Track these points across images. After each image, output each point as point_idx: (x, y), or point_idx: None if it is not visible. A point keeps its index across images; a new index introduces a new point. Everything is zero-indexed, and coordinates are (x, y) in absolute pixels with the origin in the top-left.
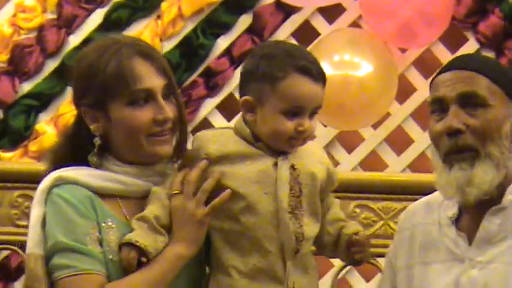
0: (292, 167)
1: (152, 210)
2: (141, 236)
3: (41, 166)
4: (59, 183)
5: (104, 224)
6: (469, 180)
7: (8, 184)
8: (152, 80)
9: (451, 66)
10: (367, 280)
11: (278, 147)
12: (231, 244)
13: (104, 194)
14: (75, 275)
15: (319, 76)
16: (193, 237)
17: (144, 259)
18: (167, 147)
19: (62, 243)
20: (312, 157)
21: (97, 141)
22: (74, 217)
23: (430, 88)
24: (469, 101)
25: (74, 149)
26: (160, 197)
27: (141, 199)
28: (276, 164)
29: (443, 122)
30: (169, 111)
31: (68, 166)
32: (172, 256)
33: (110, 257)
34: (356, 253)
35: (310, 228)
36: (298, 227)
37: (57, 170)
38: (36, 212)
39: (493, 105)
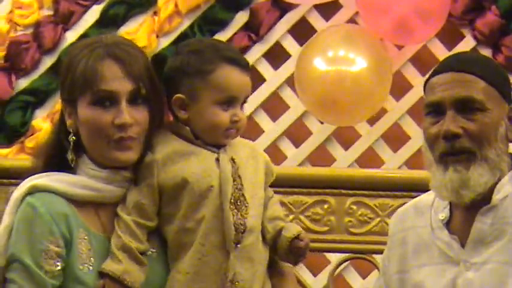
0: (232, 160)
1: (130, 239)
2: (127, 272)
3: (21, 164)
4: (33, 191)
5: (76, 235)
6: (464, 183)
7: (5, 180)
8: (118, 83)
9: (447, 67)
10: (364, 277)
11: (215, 140)
12: (180, 241)
13: (80, 202)
14: None
15: (246, 66)
16: None
17: None
18: (129, 154)
19: (17, 256)
20: (247, 151)
21: (72, 138)
22: (36, 230)
23: (424, 89)
24: (467, 106)
25: (59, 145)
26: (128, 223)
27: (117, 205)
28: (218, 159)
29: (440, 125)
30: (127, 116)
31: (53, 166)
32: None
33: (80, 267)
34: (297, 256)
35: (254, 220)
36: (239, 218)
37: (32, 177)
38: (6, 221)
39: (490, 108)
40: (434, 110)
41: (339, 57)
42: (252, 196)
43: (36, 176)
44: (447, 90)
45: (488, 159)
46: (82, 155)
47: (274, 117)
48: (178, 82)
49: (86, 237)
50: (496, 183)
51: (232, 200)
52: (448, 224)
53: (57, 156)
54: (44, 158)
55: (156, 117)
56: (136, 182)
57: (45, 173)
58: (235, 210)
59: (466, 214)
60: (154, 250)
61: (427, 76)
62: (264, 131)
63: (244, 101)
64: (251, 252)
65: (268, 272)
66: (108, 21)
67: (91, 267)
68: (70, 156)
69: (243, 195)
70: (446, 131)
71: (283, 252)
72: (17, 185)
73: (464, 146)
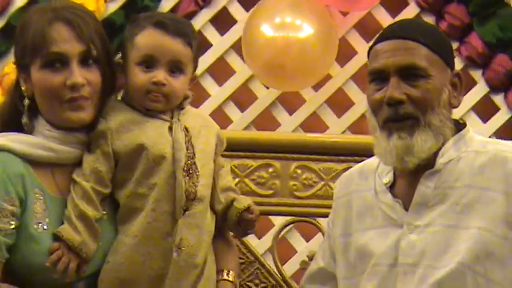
0: (186, 129)
1: (87, 207)
2: (84, 243)
3: None
4: None
5: (31, 195)
6: (408, 150)
7: None
8: (68, 45)
9: (390, 34)
10: (307, 240)
11: (141, 103)
12: (130, 207)
13: (36, 162)
14: None
15: (176, 32)
16: None
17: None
18: (82, 114)
19: None
20: (200, 120)
21: (26, 102)
22: None
23: (368, 55)
24: (410, 72)
25: (15, 110)
26: (86, 190)
27: (72, 166)
28: (171, 128)
29: (383, 91)
30: (79, 77)
31: (9, 127)
32: None
33: (34, 226)
34: (245, 229)
35: (204, 189)
36: (191, 186)
37: None
38: None
39: (433, 75)
40: (378, 76)
41: (286, 23)
42: (203, 165)
43: None
44: (390, 57)
45: (431, 125)
46: (38, 117)
47: (220, 82)
48: (122, 50)
49: (41, 198)
50: (440, 148)
51: (184, 168)
52: (391, 187)
53: (13, 120)
54: (1, 121)
55: (107, 79)
56: (91, 149)
57: (2, 133)
58: (187, 178)
59: (409, 178)
60: (105, 213)
61: (371, 43)
62: (210, 95)
63: (177, 68)
64: (199, 220)
65: (213, 240)
66: None
67: (45, 227)
68: (24, 120)
69: (194, 163)
70: (390, 98)
71: (233, 223)
72: None
73: (407, 112)
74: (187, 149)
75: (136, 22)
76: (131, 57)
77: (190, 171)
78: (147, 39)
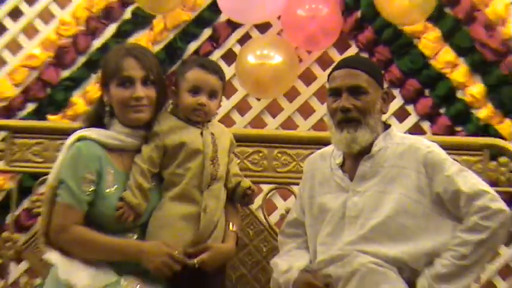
0: (212, 134)
1: (143, 181)
2: (139, 204)
3: (74, 125)
4: (81, 139)
5: (105, 169)
6: (353, 140)
7: (54, 136)
8: (134, 71)
9: (343, 65)
10: (285, 200)
11: (188, 117)
12: (172, 181)
13: (110, 148)
14: (64, 203)
15: (213, 71)
16: (152, 262)
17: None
18: (141, 115)
19: (64, 180)
20: (221, 130)
21: (107, 108)
22: (80, 165)
23: (328, 79)
24: (355, 90)
25: (98, 114)
26: (143, 170)
27: (134, 151)
28: (201, 133)
29: (338, 102)
30: (141, 92)
31: (94, 125)
32: (133, 250)
33: (107, 190)
34: (248, 201)
35: (222, 173)
36: (214, 170)
37: (81, 130)
38: (60, 157)
39: (370, 92)
40: (334, 93)
41: (264, 55)
42: (222, 157)
43: (83, 129)
44: (343, 80)
45: (369, 124)
46: (114, 118)
47: (227, 96)
48: (176, 81)
49: (111, 171)
50: (374, 140)
51: (210, 158)
52: (342, 166)
53: (97, 121)
54: (90, 121)
55: (160, 96)
56: (148, 142)
57: (88, 128)
58: (212, 165)
59: (354, 160)
60: (153, 184)
61: (327, 71)
62: (221, 106)
63: (214, 95)
64: (217, 193)
65: (225, 206)
66: (122, 34)
67: (113, 190)
68: (106, 120)
69: (217, 156)
70: (342, 107)
71: (238, 197)
72: (61, 139)
73: (353, 116)
74: (212, 147)
75: (186, 64)
76: (183, 86)
77: (214, 161)
78: (194, 75)
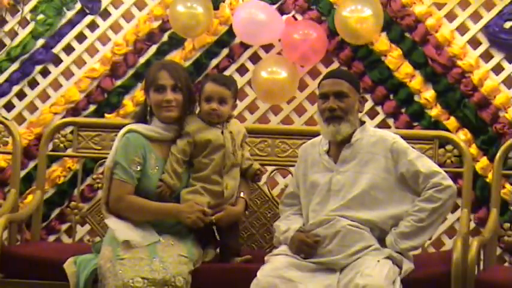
0: (230, 132)
1: (177, 167)
2: (175, 184)
3: (124, 121)
4: (129, 131)
5: (149, 155)
6: (337, 131)
7: (109, 129)
8: (165, 80)
9: (330, 76)
10: (284, 177)
11: (206, 119)
12: (199, 167)
13: (151, 139)
14: (119, 179)
15: (221, 83)
16: (189, 218)
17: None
18: (172, 114)
19: (119, 161)
20: (237, 127)
21: (148, 109)
22: (129, 150)
23: (318, 86)
24: (339, 95)
25: (143, 113)
26: (178, 158)
27: (170, 142)
28: (222, 132)
29: (326, 104)
30: (170, 96)
31: (140, 121)
32: (174, 211)
33: (150, 171)
34: (257, 179)
35: (238, 160)
36: (233, 159)
37: (130, 124)
38: (115, 145)
39: (351, 96)
40: (323, 96)
41: (273, 71)
42: (237, 150)
43: (131, 124)
44: (330, 87)
45: (349, 120)
46: (153, 116)
47: (241, 100)
48: (200, 92)
49: (153, 156)
50: (353, 132)
51: (230, 152)
52: (328, 152)
53: (142, 118)
54: (137, 118)
55: (187, 102)
56: (181, 138)
57: (136, 123)
58: (232, 156)
59: (337, 147)
60: (184, 167)
61: (318, 81)
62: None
63: (223, 101)
64: (235, 175)
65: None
66: (161, 52)
67: (155, 172)
68: (147, 117)
69: (235, 150)
70: (330, 107)
71: (250, 176)
72: (115, 132)
73: (338, 114)
74: (232, 142)
75: (205, 79)
76: (202, 96)
77: (233, 152)
78: (209, 88)
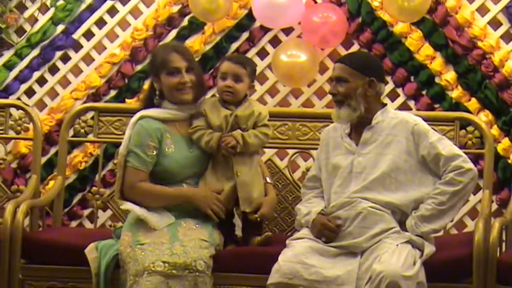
0: (236, 116)
1: (208, 139)
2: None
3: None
4: (143, 117)
5: (164, 136)
6: (338, 115)
7: (130, 114)
8: (179, 63)
9: (338, 60)
10: (305, 161)
11: (222, 98)
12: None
13: (165, 121)
14: (132, 166)
15: (236, 61)
16: (206, 204)
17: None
18: (186, 95)
19: (132, 149)
20: (251, 110)
21: (158, 92)
22: (143, 136)
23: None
24: (339, 79)
25: (151, 97)
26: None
27: (184, 121)
28: (230, 115)
29: (331, 86)
30: (186, 78)
31: (147, 105)
32: (189, 196)
33: (167, 150)
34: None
35: (246, 140)
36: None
37: (142, 110)
38: (127, 132)
39: (351, 81)
40: (331, 81)
41: (293, 54)
42: (249, 128)
43: (143, 110)
44: (333, 72)
45: (350, 105)
46: (163, 99)
47: (261, 83)
48: (217, 71)
49: (169, 136)
50: (373, 115)
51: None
52: (349, 135)
53: (149, 103)
54: (144, 102)
55: (199, 82)
56: (197, 116)
57: (147, 109)
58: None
59: (358, 130)
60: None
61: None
62: (256, 90)
63: (239, 79)
64: (246, 159)
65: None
66: (181, 37)
67: (172, 150)
68: (156, 101)
69: (243, 129)
70: (331, 91)
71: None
72: (131, 116)
73: (338, 99)
74: (238, 124)
75: (222, 59)
76: (219, 74)
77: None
78: (225, 66)
